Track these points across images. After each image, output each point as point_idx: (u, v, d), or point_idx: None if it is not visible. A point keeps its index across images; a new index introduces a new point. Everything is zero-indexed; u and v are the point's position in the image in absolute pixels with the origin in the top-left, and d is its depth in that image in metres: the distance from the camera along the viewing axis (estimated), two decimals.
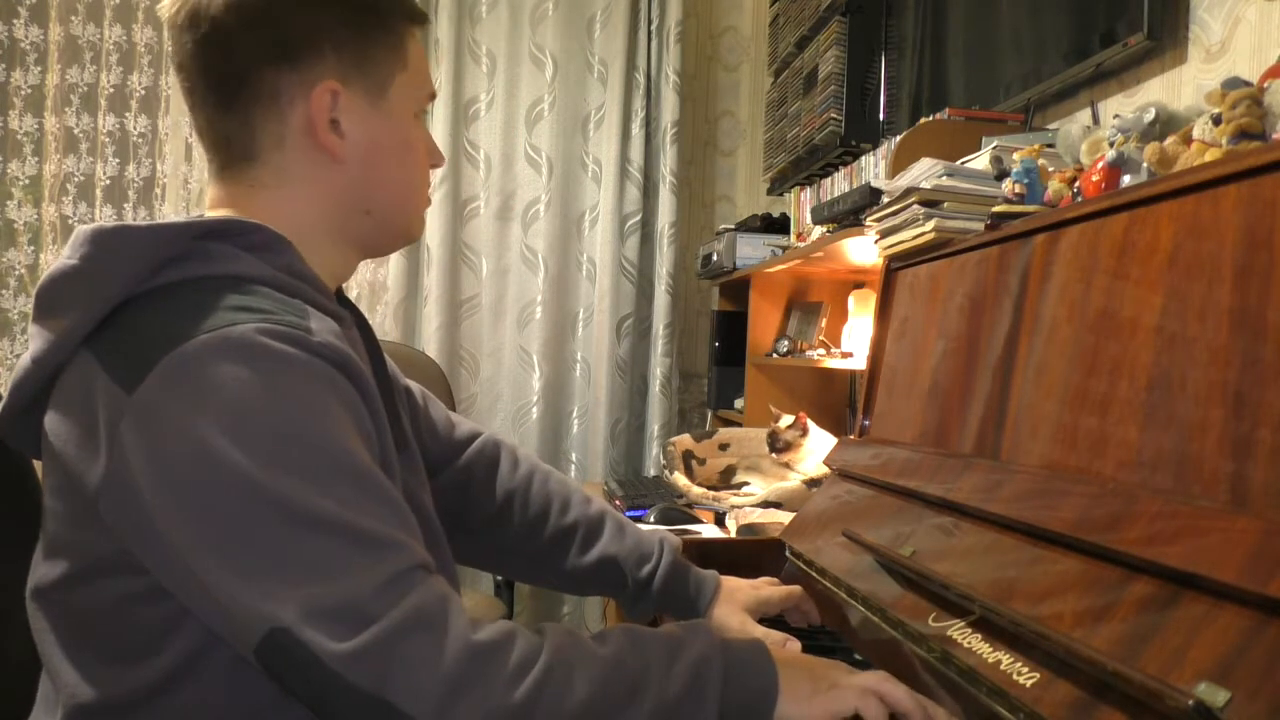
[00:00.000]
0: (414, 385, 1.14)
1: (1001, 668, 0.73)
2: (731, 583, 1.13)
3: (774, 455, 1.91)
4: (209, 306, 0.73)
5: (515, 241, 2.99)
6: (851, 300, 2.19)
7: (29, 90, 2.84)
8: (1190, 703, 0.55)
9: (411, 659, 0.65)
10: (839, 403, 2.52)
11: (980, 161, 1.35)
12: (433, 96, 0.94)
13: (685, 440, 2.13)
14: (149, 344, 0.71)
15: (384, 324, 2.94)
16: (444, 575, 0.91)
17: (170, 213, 2.88)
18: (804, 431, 1.88)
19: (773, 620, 1.11)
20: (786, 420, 1.92)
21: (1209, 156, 0.85)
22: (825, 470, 1.63)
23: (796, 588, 1.14)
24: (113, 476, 0.70)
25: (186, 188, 2.89)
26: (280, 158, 0.86)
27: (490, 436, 1.19)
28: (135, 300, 0.76)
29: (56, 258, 2.80)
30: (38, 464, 1.07)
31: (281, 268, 0.81)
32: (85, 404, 0.73)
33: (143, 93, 2.87)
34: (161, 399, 0.69)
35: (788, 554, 1.29)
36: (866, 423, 1.37)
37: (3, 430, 0.82)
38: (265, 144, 0.85)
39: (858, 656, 1.04)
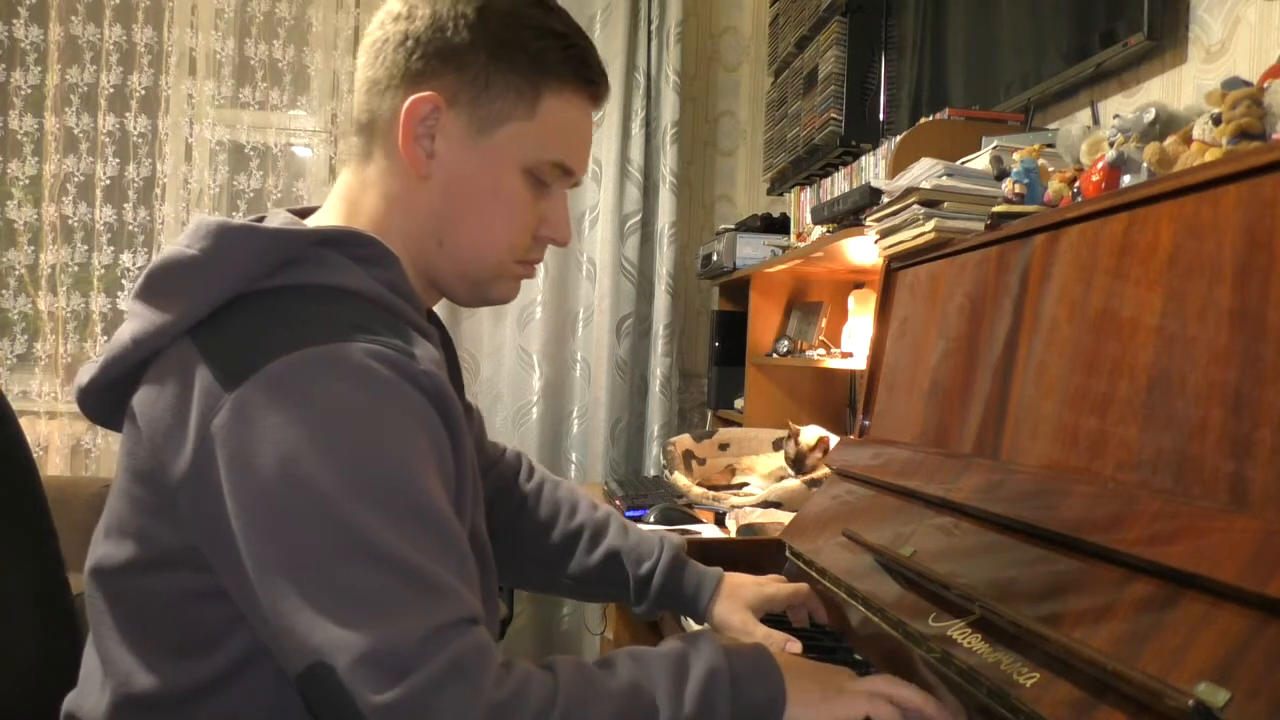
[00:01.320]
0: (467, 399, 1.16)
1: (1001, 668, 0.73)
2: (735, 579, 1.13)
3: (795, 474, 1.89)
4: (319, 318, 0.74)
5: None
6: (851, 300, 2.19)
7: (29, 90, 2.84)
8: (1190, 703, 0.55)
9: (441, 713, 0.65)
10: (839, 403, 2.52)
11: (980, 161, 1.35)
12: (568, 171, 0.89)
13: (685, 440, 2.13)
14: (255, 347, 0.72)
15: None
16: (488, 597, 0.92)
17: (170, 213, 2.88)
18: (825, 451, 1.88)
19: (774, 620, 1.11)
20: (808, 437, 1.90)
21: (1209, 156, 0.85)
22: (826, 470, 1.63)
23: (803, 585, 1.14)
24: (196, 471, 0.71)
25: (186, 188, 2.89)
26: (383, 160, 0.86)
27: (513, 448, 1.23)
28: (245, 298, 0.77)
29: (56, 257, 2.77)
30: (39, 463, 1.07)
31: (387, 283, 0.81)
32: (181, 393, 0.73)
33: (143, 93, 2.86)
34: (259, 404, 0.69)
35: (788, 554, 1.29)
36: (866, 423, 1.37)
37: (85, 399, 0.82)
38: (377, 138, 0.86)
39: (857, 656, 1.04)
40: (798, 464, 1.88)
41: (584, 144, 0.90)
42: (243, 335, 0.74)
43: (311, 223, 0.85)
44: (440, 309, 2.97)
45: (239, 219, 0.78)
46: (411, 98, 0.82)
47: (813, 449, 1.87)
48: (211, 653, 0.74)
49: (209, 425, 0.70)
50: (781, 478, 1.98)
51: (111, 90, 2.85)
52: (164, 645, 0.76)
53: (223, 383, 0.71)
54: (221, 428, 0.69)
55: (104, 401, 0.81)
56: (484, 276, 0.89)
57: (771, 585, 1.13)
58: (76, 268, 2.86)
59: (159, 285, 0.78)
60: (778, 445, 2.12)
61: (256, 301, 0.76)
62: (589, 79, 0.88)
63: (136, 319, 0.78)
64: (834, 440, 1.87)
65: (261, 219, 0.82)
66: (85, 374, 0.81)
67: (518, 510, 1.16)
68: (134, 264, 2.87)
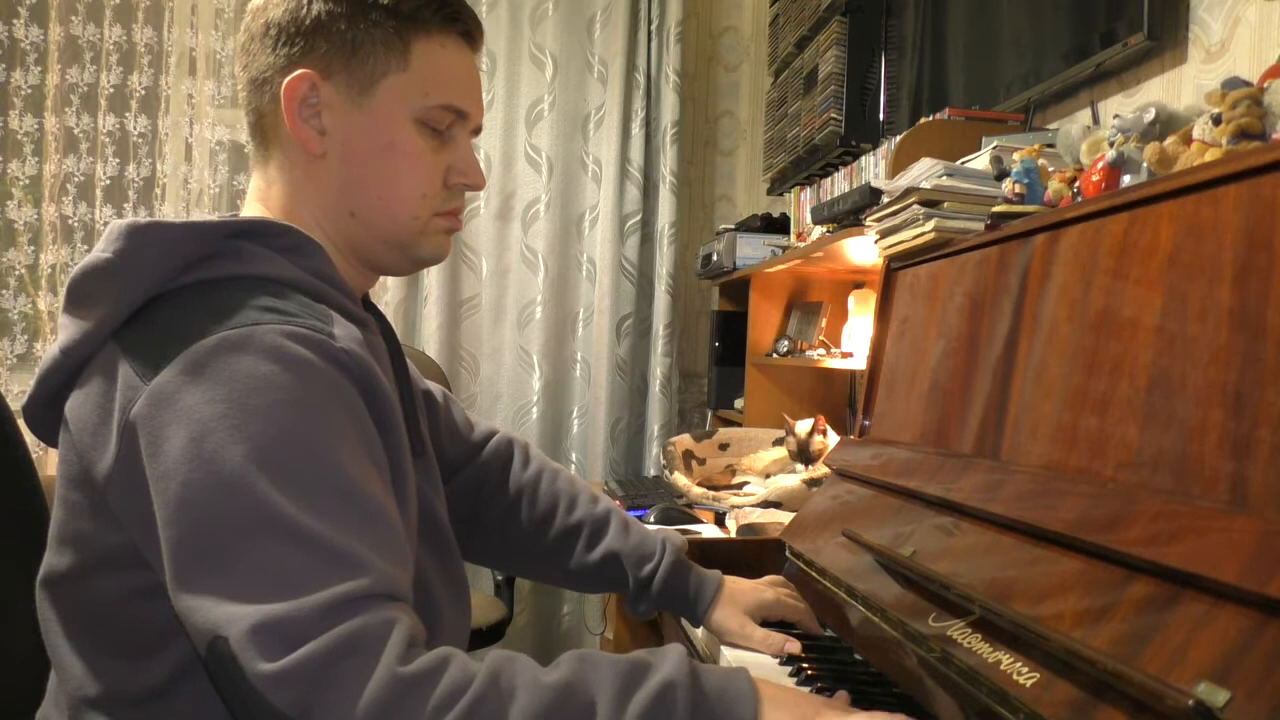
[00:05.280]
0: (435, 387, 1.15)
1: (1001, 668, 0.73)
2: (735, 585, 1.13)
3: (805, 466, 1.89)
4: (235, 305, 0.74)
5: (515, 241, 2.99)
6: (851, 300, 2.19)
7: (29, 90, 2.83)
8: (1190, 703, 0.55)
9: (335, 686, 0.62)
10: (839, 403, 2.52)
11: (980, 161, 1.35)
12: (461, 114, 0.88)
13: (685, 440, 2.13)
14: (172, 338, 0.72)
15: None
16: (450, 581, 0.91)
17: (170, 213, 2.88)
18: (824, 432, 1.89)
19: (774, 621, 1.11)
20: (803, 427, 1.91)
21: (1209, 156, 0.85)
22: (825, 470, 1.63)
23: (800, 605, 1.14)
24: (122, 464, 0.71)
25: (186, 188, 2.89)
26: (280, 153, 0.87)
27: (504, 435, 1.20)
28: (165, 295, 0.77)
29: (56, 257, 2.78)
30: (39, 463, 1.07)
31: (310, 270, 0.81)
32: (105, 392, 0.73)
33: (143, 93, 2.86)
34: (176, 388, 0.69)
35: (788, 554, 1.29)
36: (866, 423, 1.37)
37: (28, 418, 0.83)
38: (270, 134, 0.86)
39: (857, 656, 1.04)
40: (803, 454, 1.88)
41: (467, 83, 0.89)
42: (161, 329, 0.74)
43: None
44: (435, 309, 2.98)
45: (149, 217, 0.78)
46: (285, 80, 0.83)
47: (810, 434, 1.88)
48: (160, 652, 0.74)
49: (128, 417, 0.70)
50: (782, 469, 1.99)
51: (111, 90, 2.84)
52: (112, 648, 0.75)
53: (141, 375, 0.71)
54: (139, 415, 0.69)
55: (48, 420, 0.81)
56: (405, 237, 0.88)
57: (770, 591, 1.13)
58: None
59: (80, 293, 0.77)
60: (778, 445, 2.12)
61: (176, 297, 0.76)
62: (452, 17, 0.87)
63: (64, 330, 0.78)
64: (829, 427, 1.89)
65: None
66: (29, 393, 0.81)
67: (512, 503, 1.15)
68: None
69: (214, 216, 0.82)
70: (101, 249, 0.77)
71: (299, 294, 0.78)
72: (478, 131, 0.93)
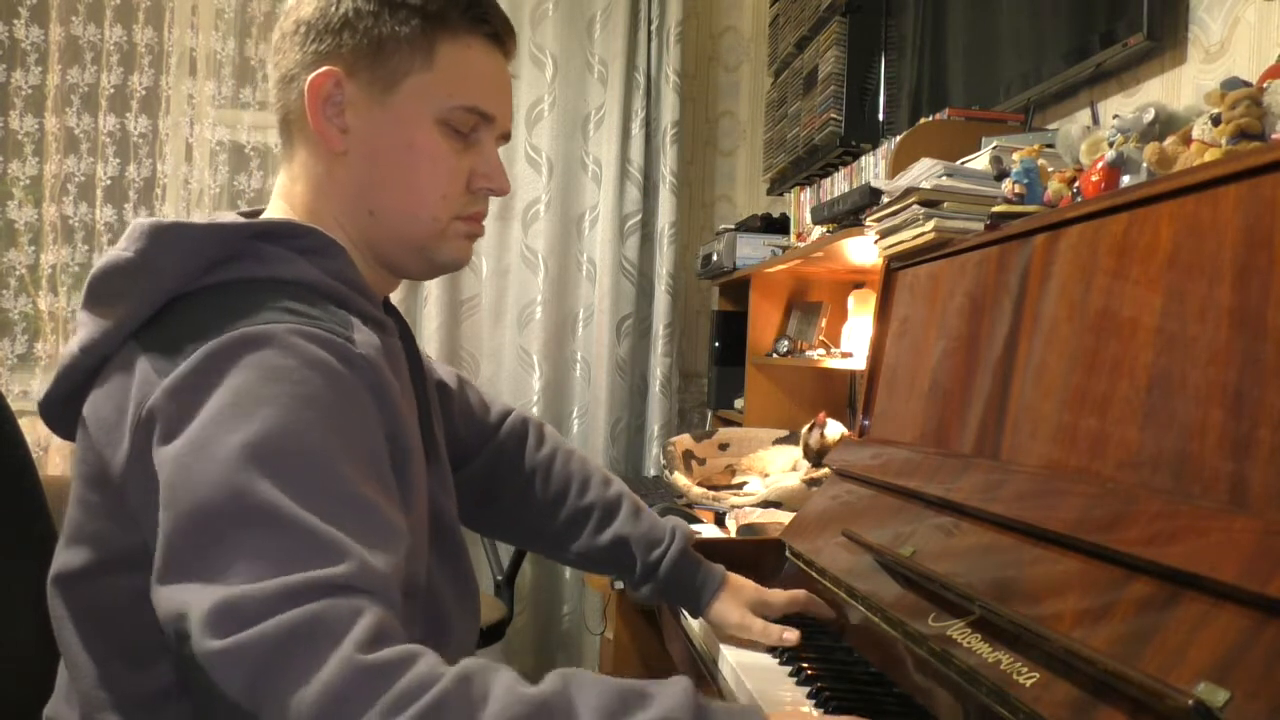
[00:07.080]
0: (448, 374, 1.15)
1: (1001, 668, 0.73)
2: (738, 579, 1.14)
3: (814, 466, 1.88)
4: (255, 305, 0.74)
5: (515, 241, 2.99)
6: (851, 300, 2.19)
7: (29, 90, 2.83)
8: (1190, 702, 0.55)
9: (285, 668, 0.59)
10: (839, 403, 2.52)
11: (980, 161, 1.35)
12: (485, 117, 0.87)
13: (685, 440, 2.13)
14: (189, 337, 0.72)
15: None
16: (459, 587, 0.91)
17: (170, 213, 2.88)
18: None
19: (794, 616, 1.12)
20: (833, 432, 1.89)
21: (1208, 156, 0.86)
22: (826, 470, 1.63)
23: (800, 591, 1.14)
24: (134, 460, 0.71)
25: (186, 188, 2.89)
26: (304, 150, 0.87)
27: (519, 414, 1.21)
28: (186, 296, 0.77)
29: (56, 258, 2.77)
30: (39, 463, 1.07)
31: (332, 273, 0.81)
32: (123, 390, 0.73)
33: (143, 93, 2.86)
34: (186, 384, 0.69)
35: (788, 554, 1.30)
36: (866, 423, 1.37)
37: (45, 414, 0.83)
38: (295, 132, 0.87)
39: (856, 655, 1.04)
40: (819, 457, 1.88)
41: (493, 85, 0.88)
42: (181, 328, 0.74)
43: None
44: (435, 309, 2.98)
45: (172, 217, 0.78)
46: (310, 76, 0.83)
47: (836, 444, 1.87)
48: (168, 655, 0.73)
49: (143, 411, 0.70)
50: (788, 468, 1.98)
51: (112, 90, 2.84)
52: (124, 648, 0.75)
53: (158, 371, 0.71)
54: (152, 409, 0.70)
55: (66, 416, 0.81)
56: (423, 239, 0.88)
57: (771, 592, 1.13)
58: (77, 268, 2.86)
59: (100, 291, 0.77)
60: (779, 444, 2.12)
61: (197, 297, 0.77)
62: (480, 18, 0.87)
63: (83, 328, 0.78)
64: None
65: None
66: (44, 387, 0.82)
67: (526, 483, 1.16)
68: None
69: (237, 217, 0.82)
70: (123, 248, 0.76)
71: (320, 297, 0.78)
72: (506, 137, 0.92)
